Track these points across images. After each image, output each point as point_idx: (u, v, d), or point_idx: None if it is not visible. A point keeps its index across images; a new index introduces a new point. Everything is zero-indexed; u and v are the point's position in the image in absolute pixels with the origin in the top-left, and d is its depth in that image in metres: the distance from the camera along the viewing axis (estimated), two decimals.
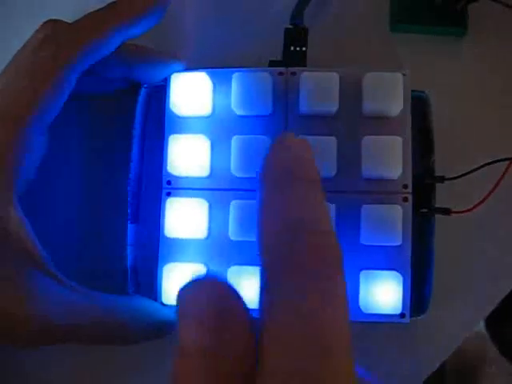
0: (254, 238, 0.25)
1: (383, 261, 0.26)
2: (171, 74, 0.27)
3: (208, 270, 0.26)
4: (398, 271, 0.25)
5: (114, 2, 0.26)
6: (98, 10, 0.26)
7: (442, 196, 0.27)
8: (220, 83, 0.27)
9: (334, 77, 0.26)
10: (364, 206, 0.26)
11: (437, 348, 0.29)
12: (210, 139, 0.27)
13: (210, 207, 0.27)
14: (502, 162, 0.26)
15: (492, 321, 0.72)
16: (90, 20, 0.26)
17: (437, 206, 0.27)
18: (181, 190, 0.27)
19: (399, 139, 0.26)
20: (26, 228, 0.24)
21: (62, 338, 0.25)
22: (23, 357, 0.30)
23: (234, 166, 0.26)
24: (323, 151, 0.26)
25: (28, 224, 0.24)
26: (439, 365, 0.29)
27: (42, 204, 0.29)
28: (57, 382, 0.30)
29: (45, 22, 0.26)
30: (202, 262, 0.26)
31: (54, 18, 0.27)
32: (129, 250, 0.28)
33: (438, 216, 0.27)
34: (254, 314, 0.16)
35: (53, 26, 0.25)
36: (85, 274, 0.26)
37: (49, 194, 0.30)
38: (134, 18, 0.26)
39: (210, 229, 0.27)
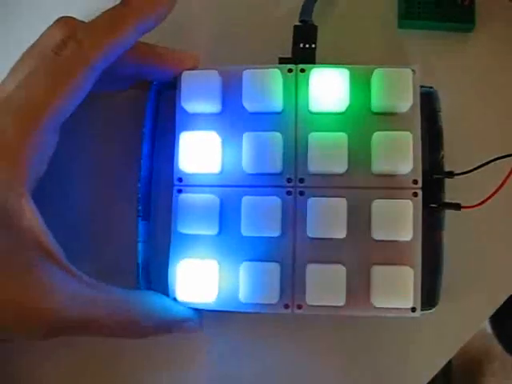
0: (265, 234, 0.26)
1: (394, 255, 0.26)
2: (182, 71, 0.28)
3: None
4: (408, 266, 0.26)
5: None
6: (113, 8, 0.26)
7: (452, 191, 0.28)
8: (230, 80, 0.28)
9: (343, 73, 0.27)
10: (374, 201, 0.26)
11: (442, 346, 0.29)
12: (221, 136, 0.27)
13: (222, 204, 0.27)
14: (511, 157, 0.26)
15: (496, 318, 0.72)
16: (108, 19, 0.25)
17: (446, 201, 0.27)
18: (192, 187, 0.27)
19: (409, 135, 0.26)
20: (39, 222, 0.24)
21: (75, 330, 0.25)
22: (23, 356, 0.30)
23: (246, 162, 0.26)
24: (334, 147, 0.26)
25: (41, 218, 0.25)
26: (445, 363, 0.29)
27: (52, 201, 0.29)
28: (57, 381, 0.30)
29: (59, 20, 0.26)
30: (213, 258, 0.27)
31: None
32: (139, 247, 0.28)
33: (447, 211, 0.27)
34: None
35: (70, 24, 0.25)
36: (95, 271, 0.26)
37: (59, 191, 0.30)
38: (150, 13, 0.26)
39: (221, 225, 0.27)
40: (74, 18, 0.26)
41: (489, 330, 0.74)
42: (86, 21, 0.26)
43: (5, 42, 0.33)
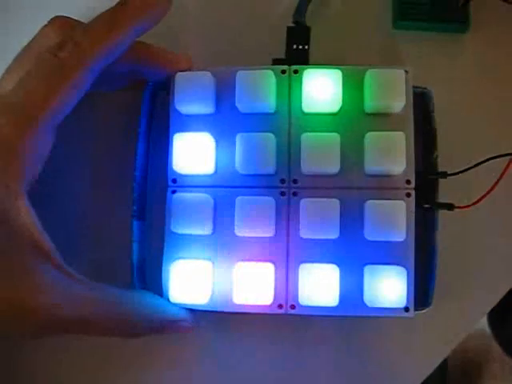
0: (259, 234, 0.26)
1: (387, 256, 0.26)
2: (176, 72, 0.28)
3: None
4: (401, 266, 0.26)
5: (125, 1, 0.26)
6: (110, 10, 0.26)
7: (445, 191, 0.28)
8: (224, 82, 0.28)
9: (336, 74, 0.27)
10: (368, 201, 0.26)
11: (437, 346, 0.29)
12: (215, 137, 0.27)
13: (216, 204, 0.27)
14: (503, 158, 0.26)
15: (495, 319, 0.72)
16: (106, 20, 0.25)
17: (440, 201, 0.28)
18: (186, 188, 0.28)
19: (402, 135, 0.26)
20: (34, 221, 0.24)
21: (69, 328, 0.25)
22: (23, 356, 0.30)
23: (239, 163, 0.27)
24: (327, 148, 0.26)
25: (36, 218, 0.25)
26: (440, 363, 0.29)
27: (47, 201, 0.29)
28: (56, 381, 0.30)
29: (54, 19, 0.25)
30: (207, 259, 0.27)
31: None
32: (134, 247, 0.28)
33: (441, 211, 0.27)
34: None
35: (68, 25, 0.25)
36: (90, 270, 0.27)
37: (54, 191, 0.31)
38: (147, 14, 0.26)
39: (215, 225, 0.27)
40: (71, 18, 0.26)
41: (488, 330, 0.74)
42: (84, 21, 0.26)
43: (4, 40, 0.33)
